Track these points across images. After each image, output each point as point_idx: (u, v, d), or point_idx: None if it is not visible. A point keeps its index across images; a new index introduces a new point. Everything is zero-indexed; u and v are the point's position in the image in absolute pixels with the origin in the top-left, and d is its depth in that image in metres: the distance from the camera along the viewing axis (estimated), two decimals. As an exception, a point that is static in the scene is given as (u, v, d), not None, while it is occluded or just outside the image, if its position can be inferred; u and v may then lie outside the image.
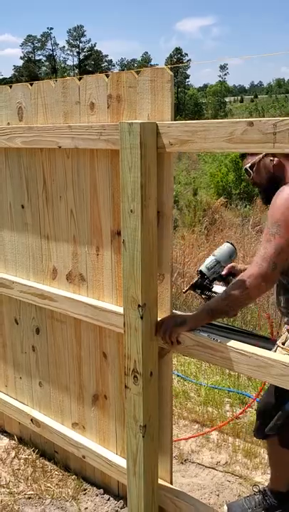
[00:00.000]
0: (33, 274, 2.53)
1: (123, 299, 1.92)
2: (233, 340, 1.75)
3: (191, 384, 3.64)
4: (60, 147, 2.14)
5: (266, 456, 2.53)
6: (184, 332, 1.86)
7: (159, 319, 1.95)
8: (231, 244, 2.36)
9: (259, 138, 1.52)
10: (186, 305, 5.59)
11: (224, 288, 2.14)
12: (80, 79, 2.07)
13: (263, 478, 2.60)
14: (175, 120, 1.77)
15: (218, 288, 2.25)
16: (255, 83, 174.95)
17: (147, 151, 1.75)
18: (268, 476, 2.39)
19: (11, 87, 2.37)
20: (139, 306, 1.86)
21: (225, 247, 2.34)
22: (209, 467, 2.72)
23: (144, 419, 1.97)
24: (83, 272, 2.26)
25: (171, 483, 2.17)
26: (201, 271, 2.29)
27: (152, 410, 2.01)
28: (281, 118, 1.46)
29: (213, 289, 2.26)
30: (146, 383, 1.95)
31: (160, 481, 2.14)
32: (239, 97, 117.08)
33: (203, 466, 2.74)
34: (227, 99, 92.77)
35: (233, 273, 2.29)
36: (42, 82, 2.22)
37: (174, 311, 1.99)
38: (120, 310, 1.99)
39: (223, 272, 2.29)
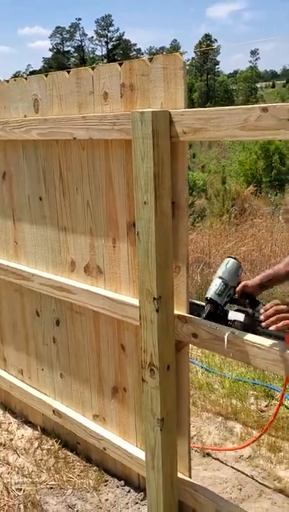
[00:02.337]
0: (52, 266, 2.53)
1: (138, 291, 1.90)
2: (249, 334, 1.71)
3: (215, 376, 3.59)
4: (74, 138, 2.12)
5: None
6: (201, 326, 1.83)
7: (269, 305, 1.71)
8: (235, 258, 2.09)
9: (274, 124, 1.46)
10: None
11: (242, 314, 1.93)
12: (93, 68, 2.03)
13: (287, 472, 2.55)
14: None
15: (236, 315, 1.96)
16: (288, 68, 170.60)
17: (160, 140, 1.70)
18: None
19: (26, 79, 2.36)
20: (154, 298, 1.83)
21: (230, 265, 2.06)
22: (232, 461, 2.68)
23: (162, 412, 1.95)
24: (100, 264, 2.25)
25: (190, 476, 2.15)
26: (210, 299, 1.98)
27: (170, 404, 1.99)
28: (296, 103, 1.39)
29: (230, 317, 1.96)
30: (163, 377, 1.93)
31: (179, 475, 2.12)
32: (271, 83, 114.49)
33: (227, 459, 2.70)
34: (258, 85, 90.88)
35: (248, 293, 2.05)
36: (56, 73, 2.20)
37: (190, 299, 1.96)
38: (137, 302, 1.97)
39: (236, 295, 2.04)
